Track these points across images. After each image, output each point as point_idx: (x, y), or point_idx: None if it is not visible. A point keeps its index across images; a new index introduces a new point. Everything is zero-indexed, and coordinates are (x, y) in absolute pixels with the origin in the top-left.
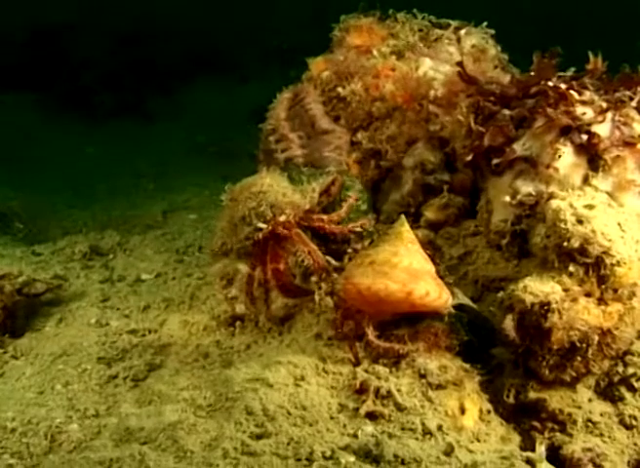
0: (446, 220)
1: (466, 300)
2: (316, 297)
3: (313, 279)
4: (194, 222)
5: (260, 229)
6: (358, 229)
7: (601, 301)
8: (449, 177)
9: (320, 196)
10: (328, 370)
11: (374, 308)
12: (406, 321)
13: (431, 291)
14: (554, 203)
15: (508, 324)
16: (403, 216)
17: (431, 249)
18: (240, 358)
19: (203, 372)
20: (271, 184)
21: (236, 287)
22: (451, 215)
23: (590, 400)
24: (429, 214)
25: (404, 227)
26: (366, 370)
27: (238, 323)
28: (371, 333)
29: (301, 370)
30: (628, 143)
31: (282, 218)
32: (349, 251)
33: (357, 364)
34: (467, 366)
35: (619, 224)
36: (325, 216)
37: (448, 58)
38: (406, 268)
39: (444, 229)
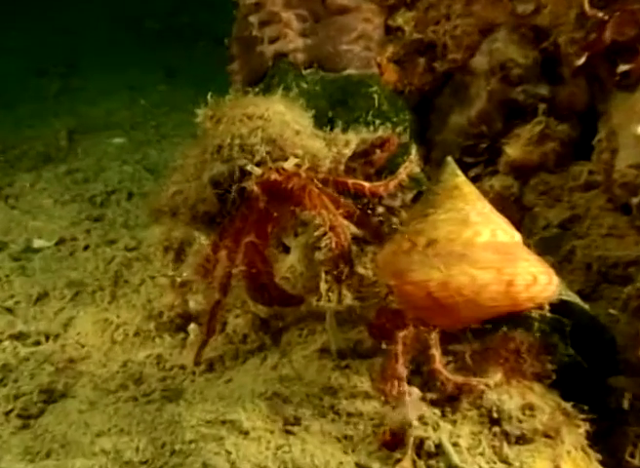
0: (541, 163)
1: (571, 296)
2: (321, 287)
3: (323, 269)
4: (120, 151)
5: (247, 173)
6: (405, 181)
7: None
8: (548, 91)
9: (355, 157)
10: (339, 408)
11: (450, 316)
12: (468, 330)
13: (538, 273)
14: None
15: None
16: (450, 160)
17: (515, 209)
18: (195, 385)
19: (134, 408)
20: (283, 113)
21: (190, 266)
22: (549, 155)
23: None
24: (513, 151)
25: (459, 177)
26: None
27: (193, 326)
28: (439, 359)
29: (295, 409)
30: None
31: (288, 165)
32: (380, 210)
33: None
34: (568, 405)
35: None
36: (361, 182)
37: None
38: (490, 244)
39: (537, 177)
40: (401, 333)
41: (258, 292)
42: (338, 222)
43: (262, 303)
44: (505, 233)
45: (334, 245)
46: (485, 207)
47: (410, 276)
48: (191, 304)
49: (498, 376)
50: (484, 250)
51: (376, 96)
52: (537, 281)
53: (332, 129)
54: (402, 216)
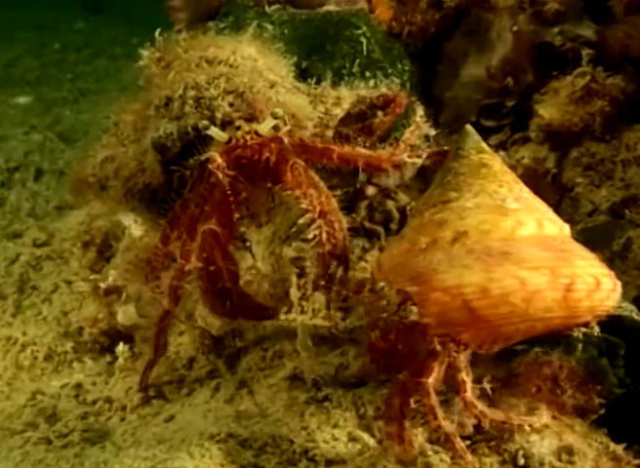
0: (585, 127)
1: (625, 307)
2: (292, 295)
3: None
4: (25, 114)
5: (205, 137)
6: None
7: None
8: (593, 33)
9: (349, 120)
10: (315, 453)
11: (489, 331)
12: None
13: (600, 276)
14: None
15: None
16: (471, 129)
17: (551, 189)
18: (126, 424)
19: (47, 453)
20: (254, 58)
21: (120, 267)
22: (596, 116)
23: None
24: (548, 111)
25: (485, 151)
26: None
27: (121, 347)
28: (471, 388)
29: (257, 454)
30: None
31: (263, 127)
32: (370, 191)
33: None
34: (619, 448)
35: None
36: (362, 151)
37: None
38: (538, 238)
39: (580, 147)
40: (434, 364)
41: (217, 300)
42: (330, 207)
43: (223, 315)
44: (554, 224)
45: (324, 237)
46: (523, 190)
47: (438, 280)
48: (120, 318)
49: (545, 415)
50: (531, 245)
51: (364, 39)
52: (600, 285)
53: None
54: (400, 200)
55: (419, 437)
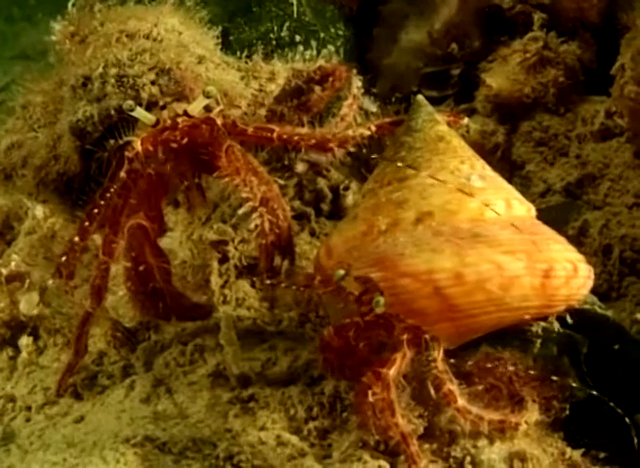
0: (537, 99)
1: (588, 300)
2: (213, 283)
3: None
4: None
5: (130, 121)
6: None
7: None
8: None
9: (285, 95)
10: (240, 459)
11: (461, 322)
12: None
13: (576, 261)
14: None
15: None
16: (422, 99)
17: (499, 166)
18: (32, 426)
19: None
20: (178, 30)
21: (23, 251)
22: (549, 87)
23: None
24: (496, 80)
25: (440, 124)
26: None
27: (25, 340)
28: (458, 392)
29: (177, 460)
30: None
31: (194, 108)
32: (301, 168)
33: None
34: (576, 454)
35: None
36: (307, 132)
37: None
38: (508, 219)
39: (532, 120)
40: (397, 356)
41: (149, 301)
42: (272, 193)
43: (156, 316)
44: (521, 204)
45: (267, 227)
46: (485, 167)
47: (405, 265)
48: (23, 307)
49: (536, 410)
50: (502, 227)
51: (294, 0)
52: (577, 272)
53: (229, 50)
54: (332, 177)
55: None
